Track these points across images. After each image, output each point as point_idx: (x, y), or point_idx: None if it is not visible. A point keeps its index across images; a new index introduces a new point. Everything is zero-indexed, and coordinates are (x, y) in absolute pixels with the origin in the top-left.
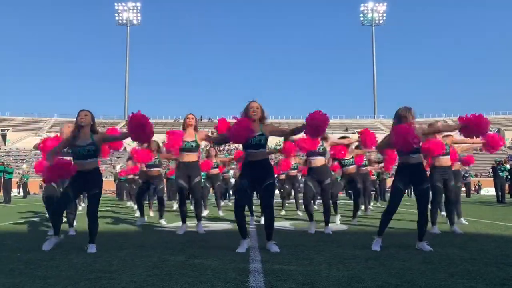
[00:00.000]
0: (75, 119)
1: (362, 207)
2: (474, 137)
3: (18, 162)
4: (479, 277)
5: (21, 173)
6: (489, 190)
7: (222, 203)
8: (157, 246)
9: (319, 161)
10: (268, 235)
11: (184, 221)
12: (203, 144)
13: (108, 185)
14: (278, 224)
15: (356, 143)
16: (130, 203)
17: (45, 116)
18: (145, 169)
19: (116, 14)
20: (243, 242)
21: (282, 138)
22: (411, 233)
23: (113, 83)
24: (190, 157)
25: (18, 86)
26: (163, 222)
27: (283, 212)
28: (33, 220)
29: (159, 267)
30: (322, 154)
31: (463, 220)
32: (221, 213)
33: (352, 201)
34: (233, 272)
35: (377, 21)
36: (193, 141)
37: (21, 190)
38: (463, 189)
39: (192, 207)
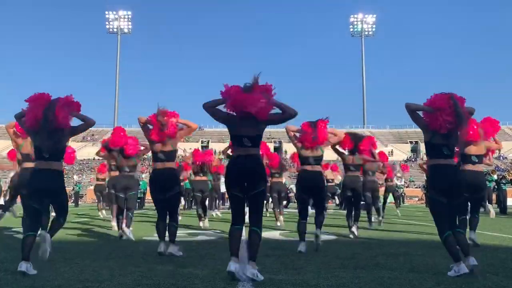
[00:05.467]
0: None
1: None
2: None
3: (5, 170)
4: (465, 286)
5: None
6: None
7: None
8: (146, 256)
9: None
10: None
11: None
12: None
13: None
14: (268, 234)
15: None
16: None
17: None
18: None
19: (107, 23)
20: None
21: None
22: (399, 242)
23: (103, 91)
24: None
25: (4, 92)
26: (127, 231)
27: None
28: (20, 229)
29: (148, 276)
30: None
31: None
32: (201, 224)
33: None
34: (222, 281)
35: (366, 32)
36: None
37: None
38: None
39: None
